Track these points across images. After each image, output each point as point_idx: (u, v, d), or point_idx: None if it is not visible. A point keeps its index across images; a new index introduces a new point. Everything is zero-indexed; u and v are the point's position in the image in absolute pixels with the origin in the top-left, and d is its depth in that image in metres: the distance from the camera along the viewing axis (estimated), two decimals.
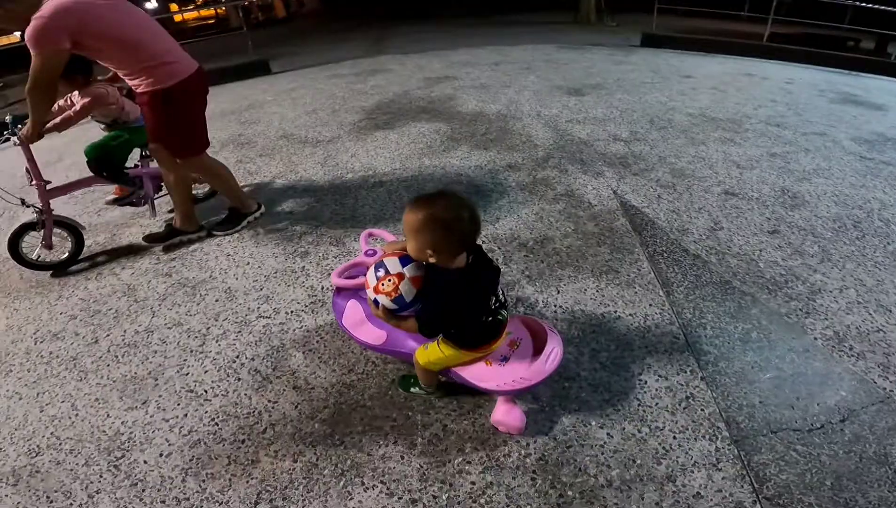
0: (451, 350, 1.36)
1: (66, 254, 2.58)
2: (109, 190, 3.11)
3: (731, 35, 7.92)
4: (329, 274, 2.23)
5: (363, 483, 1.35)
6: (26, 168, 2.45)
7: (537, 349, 1.42)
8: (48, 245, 2.51)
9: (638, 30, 8.12)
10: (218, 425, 1.55)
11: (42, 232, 2.49)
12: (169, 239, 2.67)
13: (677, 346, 1.73)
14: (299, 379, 1.70)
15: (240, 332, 1.94)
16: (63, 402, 1.71)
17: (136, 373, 1.80)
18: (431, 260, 1.23)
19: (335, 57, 8.00)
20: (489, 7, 13.90)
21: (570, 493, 1.29)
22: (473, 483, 1.33)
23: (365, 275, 1.39)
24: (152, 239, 2.67)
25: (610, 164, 3.18)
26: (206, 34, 16.09)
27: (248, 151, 3.93)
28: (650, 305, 1.93)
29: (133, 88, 2.29)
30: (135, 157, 2.88)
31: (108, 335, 2.00)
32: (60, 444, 1.55)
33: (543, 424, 1.47)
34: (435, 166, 3.29)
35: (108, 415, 1.63)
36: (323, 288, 2.16)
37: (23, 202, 2.45)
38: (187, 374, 1.76)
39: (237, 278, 2.28)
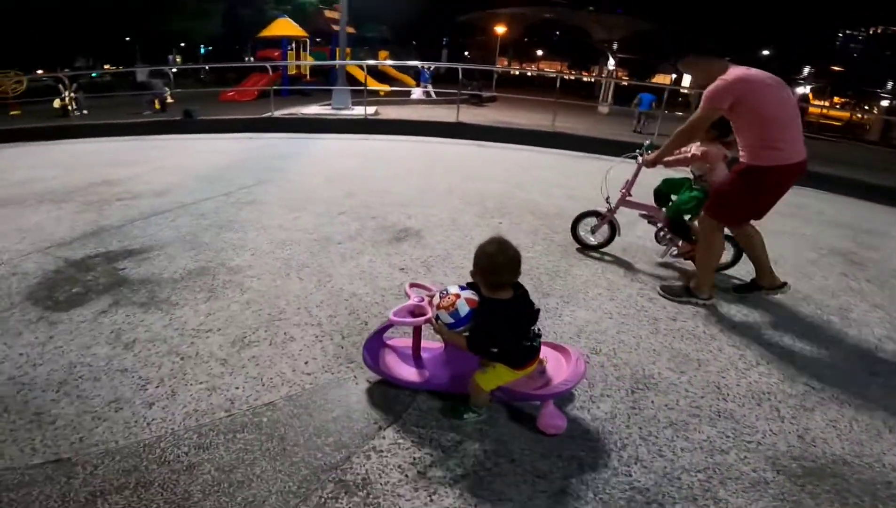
0: (505, 370, 1.73)
1: (597, 243, 3.58)
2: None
3: None
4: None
5: None
6: (627, 179, 3.37)
7: (556, 362, 1.90)
8: (594, 231, 3.57)
9: None
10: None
11: (597, 221, 3.51)
12: (681, 297, 2.96)
13: None
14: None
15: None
16: None
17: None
18: (476, 281, 1.72)
19: None
20: None
21: None
22: None
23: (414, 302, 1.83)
24: (667, 291, 3.01)
25: None
26: (828, 135, 15.26)
27: (856, 271, 3.85)
28: None
29: (740, 154, 2.65)
30: None
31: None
32: None
33: None
34: None
35: None
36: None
37: (607, 200, 3.42)
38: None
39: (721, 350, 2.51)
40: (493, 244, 1.68)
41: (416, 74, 17.29)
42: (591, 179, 6.10)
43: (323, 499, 1.50)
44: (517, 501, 1.56)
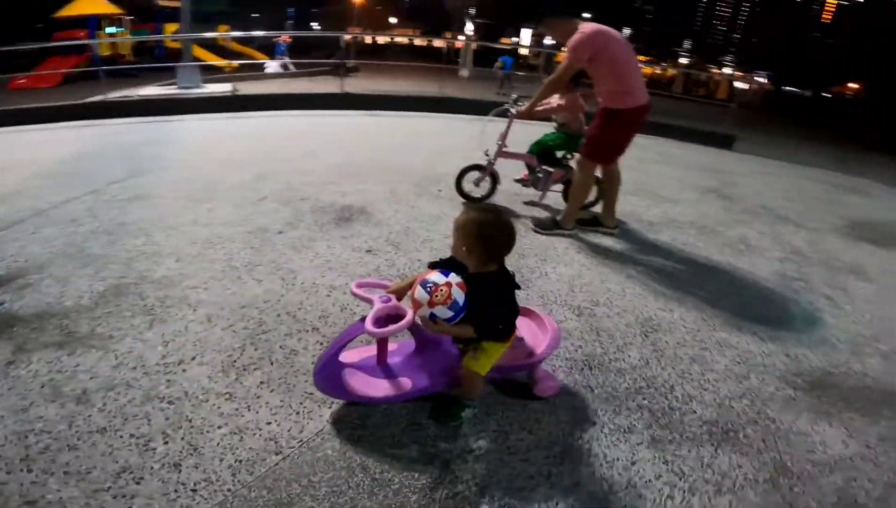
0: (494, 346, 1.55)
1: (481, 195, 3.73)
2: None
3: None
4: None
5: None
6: (501, 133, 3.59)
7: (525, 325, 1.86)
8: (477, 183, 3.68)
9: None
10: None
11: (480, 174, 3.65)
12: (551, 230, 3.34)
13: None
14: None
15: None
16: None
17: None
18: (464, 261, 1.49)
19: (796, 160, 7.95)
20: None
21: None
22: None
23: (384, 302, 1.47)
24: (538, 224, 3.37)
25: None
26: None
27: (731, 205, 4.61)
28: None
29: (599, 100, 3.07)
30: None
31: None
32: None
33: None
34: None
35: None
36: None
37: (486, 153, 3.61)
38: None
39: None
40: (490, 215, 1.49)
41: (261, 48, 15.68)
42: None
43: None
44: (624, 459, 1.57)
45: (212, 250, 2.73)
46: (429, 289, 1.39)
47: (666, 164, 6.13)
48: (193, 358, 1.83)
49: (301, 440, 1.49)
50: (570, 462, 1.52)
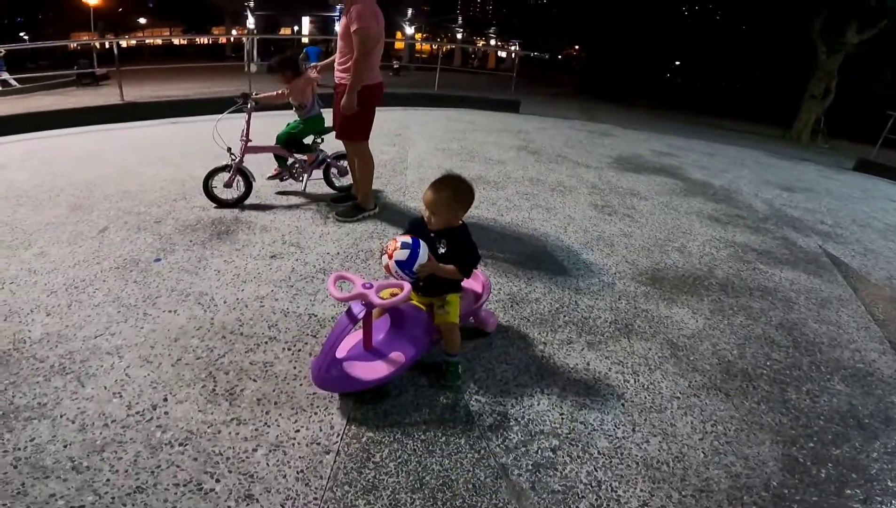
0: (455, 296, 1.83)
1: (236, 197, 3.45)
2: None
3: None
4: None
5: None
6: (243, 130, 3.37)
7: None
8: (228, 185, 3.37)
9: (852, 156, 8.73)
10: None
11: (228, 175, 3.35)
12: (354, 216, 3.33)
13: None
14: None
15: None
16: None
17: None
18: (458, 215, 1.77)
19: (561, 115, 9.91)
20: (694, 106, 15.67)
21: None
22: None
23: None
24: (342, 215, 3.32)
25: (817, 232, 4.23)
26: (424, 65, 19.14)
27: (539, 158, 5.67)
28: (829, 282, 3.18)
29: (341, 77, 3.04)
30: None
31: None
32: None
33: None
34: (679, 207, 4.49)
35: None
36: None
37: (229, 150, 3.29)
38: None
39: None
40: (464, 180, 1.79)
41: None
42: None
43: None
44: (581, 362, 2.15)
45: (85, 296, 2.35)
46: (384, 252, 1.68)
47: (478, 131, 7.05)
48: (165, 399, 1.71)
49: (339, 434, 1.61)
50: (549, 375, 2.00)
